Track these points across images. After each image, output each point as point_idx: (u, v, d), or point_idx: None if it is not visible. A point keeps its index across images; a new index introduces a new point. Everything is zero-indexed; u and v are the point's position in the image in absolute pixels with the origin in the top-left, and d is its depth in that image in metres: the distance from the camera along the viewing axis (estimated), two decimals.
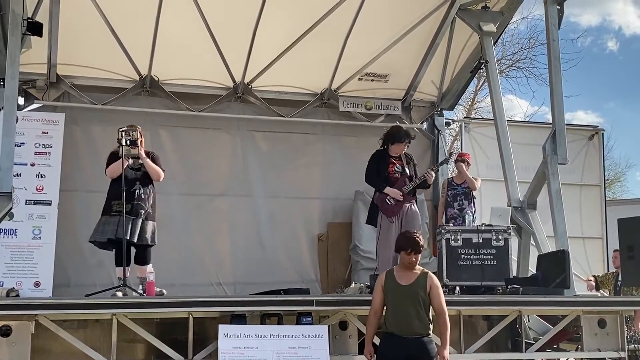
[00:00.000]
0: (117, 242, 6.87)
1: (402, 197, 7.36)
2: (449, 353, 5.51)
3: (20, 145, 8.28)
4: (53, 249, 8.30)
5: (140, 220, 6.97)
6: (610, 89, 41.20)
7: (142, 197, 7.05)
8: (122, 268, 6.95)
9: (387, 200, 7.36)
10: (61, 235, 8.54)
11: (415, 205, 7.55)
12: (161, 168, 7.27)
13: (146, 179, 7.17)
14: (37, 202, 8.40)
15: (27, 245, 8.25)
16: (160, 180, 7.30)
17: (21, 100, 8.92)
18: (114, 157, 7.14)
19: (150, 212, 7.12)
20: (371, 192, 7.77)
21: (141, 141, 7.25)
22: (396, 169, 7.56)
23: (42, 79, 9.15)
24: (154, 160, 7.26)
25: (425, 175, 7.57)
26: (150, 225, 7.08)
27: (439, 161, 8.00)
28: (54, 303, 5.94)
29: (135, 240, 6.91)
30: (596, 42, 37.44)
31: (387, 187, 7.37)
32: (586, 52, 34.98)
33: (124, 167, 6.97)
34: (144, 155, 7.13)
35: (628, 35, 39.69)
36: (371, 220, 7.55)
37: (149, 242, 7.05)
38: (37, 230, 8.35)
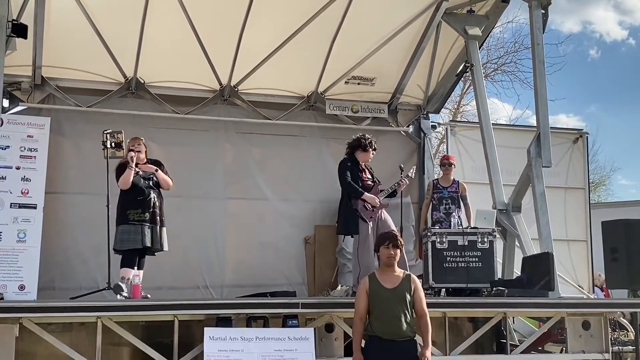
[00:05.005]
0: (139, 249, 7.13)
1: (379, 203, 7.45)
2: (432, 354, 5.54)
3: (5, 149, 8.24)
4: (38, 253, 8.25)
5: (158, 227, 7.22)
6: (590, 93, 41.57)
7: (157, 204, 7.27)
8: (127, 269, 7.06)
9: (365, 205, 7.42)
10: (46, 238, 8.48)
11: (385, 212, 7.64)
12: (169, 176, 7.48)
13: (158, 187, 7.39)
14: (22, 206, 8.35)
15: (11, 248, 8.20)
16: (170, 189, 7.52)
17: (5, 103, 8.84)
18: (122, 168, 7.24)
19: (163, 218, 7.34)
20: None
21: (145, 151, 7.48)
22: (367, 176, 7.68)
23: (27, 81, 9.07)
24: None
25: (398, 183, 7.72)
26: (164, 232, 7.33)
27: (410, 170, 8.02)
28: (38, 306, 5.93)
29: (158, 247, 7.21)
30: (577, 49, 37.76)
31: (365, 193, 7.42)
32: (567, 58, 35.26)
33: (133, 176, 7.16)
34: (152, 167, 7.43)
35: (609, 42, 40.08)
36: (350, 229, 7.49)
37: (164, 249, 7.31)
38: (22, 234, 8.29)
